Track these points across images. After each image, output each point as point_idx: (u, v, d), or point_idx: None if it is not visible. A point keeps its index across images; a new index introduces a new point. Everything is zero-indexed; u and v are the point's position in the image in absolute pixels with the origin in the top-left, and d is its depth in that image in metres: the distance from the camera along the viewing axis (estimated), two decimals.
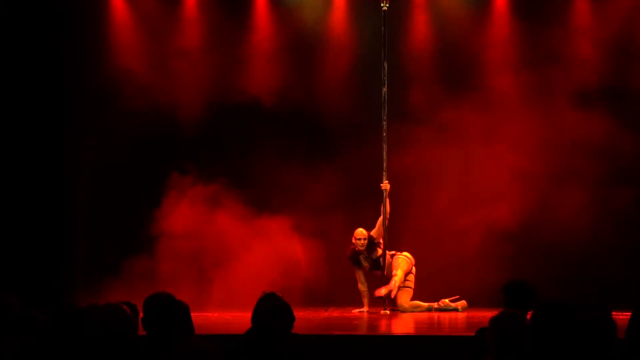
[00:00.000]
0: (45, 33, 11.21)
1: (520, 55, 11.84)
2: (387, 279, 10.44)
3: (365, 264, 10.60)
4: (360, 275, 10.65)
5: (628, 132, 11.44)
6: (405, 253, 10.72)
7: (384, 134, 10.79)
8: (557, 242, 11.37)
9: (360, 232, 10.60)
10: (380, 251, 10.54)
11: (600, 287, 10.68)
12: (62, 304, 4.44)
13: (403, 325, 9.45)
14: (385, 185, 10.62)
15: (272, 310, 4.76)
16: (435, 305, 10.63)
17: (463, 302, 10.64)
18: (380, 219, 10.57)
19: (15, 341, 4.44)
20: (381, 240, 10.57)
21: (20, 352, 4.32)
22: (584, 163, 11.40)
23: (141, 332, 4.40)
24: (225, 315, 10.13)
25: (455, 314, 10.38)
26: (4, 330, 4.55)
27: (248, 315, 4.79)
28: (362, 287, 10.63)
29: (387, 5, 10.85)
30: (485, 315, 5.02)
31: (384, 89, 10.88)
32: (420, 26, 12.10)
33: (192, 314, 4.83)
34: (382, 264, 10.48)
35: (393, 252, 10.68)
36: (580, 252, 11.39)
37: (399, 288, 10.46)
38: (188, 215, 11.41)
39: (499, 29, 12.01)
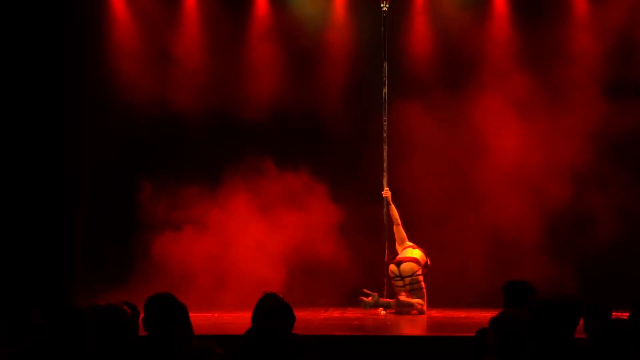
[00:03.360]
0: (46, 33, 11.18)
1: (522, 53, 11.82)
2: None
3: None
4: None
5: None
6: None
7: (385, 134, 10.80)
8: (575, 243, 11.36)
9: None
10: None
11: (621, 288, 10.60)
12: (62, 305, 4.44)
13: (403, 326, 9.44)
14: (386, 192, 10.59)
15: (272, 310, 4.76)
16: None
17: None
18: (394, 227, 10.52)
19: (16, 342, 4.44)
20: (407, 242, 10.52)
21: (21, 353, 4.32)
22: (605, 162, 11.40)
23: (142, 332, 4.40)
24: (225, 315, 10.13)
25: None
26: (6, 332, 4.55)
27: (248, 315, 4.78)
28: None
29: (387, 5, 10.84)
30: (486, 315, 5.04)
31: (384, 89, 10.89)
32: (420, 26, 12.09)
33: (191, 314, 4.82)
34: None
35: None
36: (602, 254, 11.30)
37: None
38: (188, 214, 11.43)
39: (499, 27, 12.01)
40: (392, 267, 10.35)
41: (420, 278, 10.24)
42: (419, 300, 10.21)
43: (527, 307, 4.82)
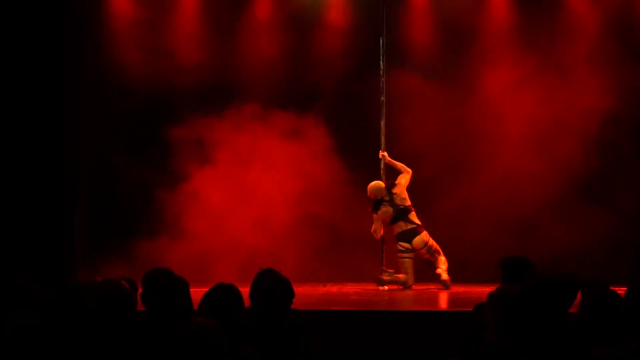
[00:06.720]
0: (45, 22, 11.09)
1: (523, 32, 11.74)
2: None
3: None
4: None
5: None
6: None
7: (383, 109, 10.80)
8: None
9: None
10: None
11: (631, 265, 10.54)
12: (62, 281, 4.46)
13: (402, 301, 9.48)
14: (383, 153, 10.57)
15: (271, 286, 4.77)
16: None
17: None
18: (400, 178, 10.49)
19: (16, 317, 4.46)
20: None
21: (21, 328, 4.33)
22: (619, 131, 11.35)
23: (140, 307, 4.41)
24: None
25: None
26: (7, 306, 4.57)
27: (245, 290, 4.79)
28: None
29: None
30: (484, 290, 5.04)
31: (382, 65, 10.88)
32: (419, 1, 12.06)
33: (192, 290, 4.83)
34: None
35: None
36: (615, 229, 11.20)
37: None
38: (188, 195, 11.44)
39: (500, 4, 11.94)
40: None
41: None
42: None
43: (524, 282, 4.84)
